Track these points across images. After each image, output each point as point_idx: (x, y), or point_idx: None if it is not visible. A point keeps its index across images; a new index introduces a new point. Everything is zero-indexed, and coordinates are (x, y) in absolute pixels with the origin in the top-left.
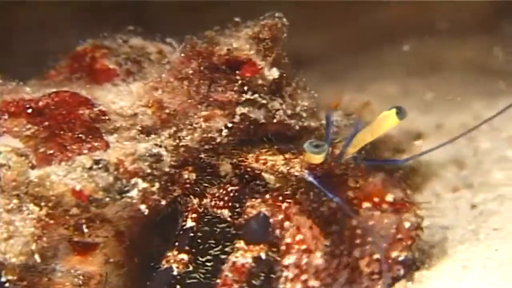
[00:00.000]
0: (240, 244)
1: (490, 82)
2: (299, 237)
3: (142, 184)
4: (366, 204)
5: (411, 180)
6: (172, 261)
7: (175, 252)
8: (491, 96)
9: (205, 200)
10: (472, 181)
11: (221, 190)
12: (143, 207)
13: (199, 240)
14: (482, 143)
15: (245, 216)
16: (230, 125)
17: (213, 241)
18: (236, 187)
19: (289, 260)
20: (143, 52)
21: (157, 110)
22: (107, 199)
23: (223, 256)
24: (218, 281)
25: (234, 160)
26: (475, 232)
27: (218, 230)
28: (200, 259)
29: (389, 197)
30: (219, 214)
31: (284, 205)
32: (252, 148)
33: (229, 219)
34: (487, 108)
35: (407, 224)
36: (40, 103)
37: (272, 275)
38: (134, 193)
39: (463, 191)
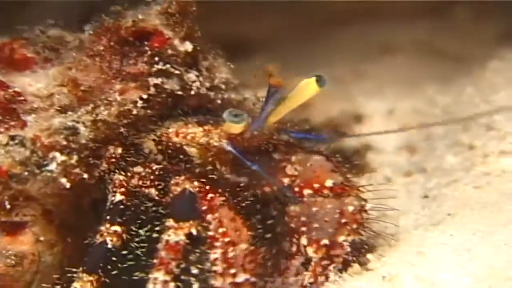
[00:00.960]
0: (170, 222)
1: (443, 65)
2: (222, 230)
3: (61, 157)
4: (307, 191)
5: (356, 165)
6: (105, 234)
7: (108, 225)
8: (444, 80)
9: (132, 181)
10: (425, 166)
11: (146, 169)
12: (64, 180)
13: (129, 212)
14: (435, 128)
15: (171, 194)
16: (145, 96)
17: (143, 213)
18: (161, 166)
19: (215, 254)
20: (62, 40)
21: (72, 89)
22: (26, 173)
23: (156, 228)
24: (155, 261)
25: (156, 137)
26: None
27: (147, 204)
28: (133, 229)
29: (329, 182)
30: (147, 194)
31: (209, 195)
32: (171, 123)
33: (156, 198)
34: (440, 92)
35: (350, 208)
36: None
37: (208, 250)
38: (53, 166)
39: (415, 175)
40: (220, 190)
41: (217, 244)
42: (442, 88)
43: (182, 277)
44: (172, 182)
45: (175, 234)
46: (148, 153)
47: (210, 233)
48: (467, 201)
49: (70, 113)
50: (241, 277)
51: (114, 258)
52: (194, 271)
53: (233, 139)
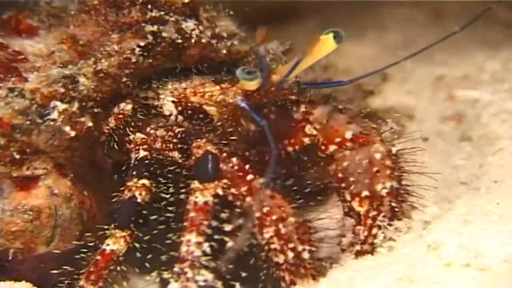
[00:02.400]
0: (195, 184)
1: (492, 31)
2: (266, 209)
3: (62, 106)
4: (332, 147)
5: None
6: (134, 189)
7: (135, 180)
8: (493, 47)
9: (156, 144)
10: (471, 134)
11: (169, 133)
12: (67, 129)
13: (156, 166)
14: (482, 96)
15: (193, 157)
16: (142, 44)
17: (167, 175)
18: (183, 128)
19: (268, 233)
20: (66, 9)
21: (72, 45)
22: (28, 123)
23: (181, 190)
24: (185, 223)
25: (175, 98)
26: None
27: (171, 167)
28: (161, 180)
29: (348, 134)
30: (170, 157)
31: (248, 177)
32: (186, 81)
33: (180, 161)
34: (489, 59)
35: (378, 155)
36: None
37: (237, 209)
38: (55, 115)
39: (462, 143)
40: (252, 168)
41: (267, 223)
42: (491, 55)
43: (215, 236)
44: (194, 144)
45: (202, 195)
46: (169, 115)
47: (257, 215)
48: None
49: (70, 66)
50: (300, 249)
51: (144, 212)
52: (227, 228)
53: (248, 96)
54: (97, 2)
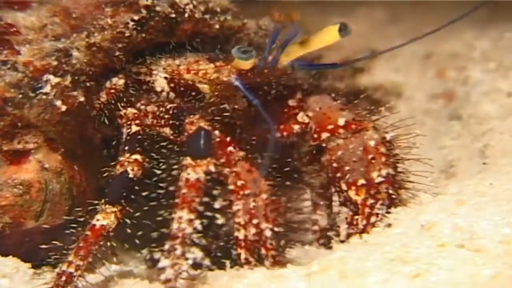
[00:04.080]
0: (188, 160)
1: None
2: (240, 182)
3: (54, 79)
4: (325, 134)
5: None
6: (126, 164)
7: (127, 155)
8: (481, 25)
9: (146, 120)
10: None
11: (161, 108)
12: (59, 103)
13: (148, 141)
14: (473, 74)
15: (186, 133)
16: (136, 18)
17: (158, 150)
18: (175, 104)
19: (237, 206)
20: None
21: (65, 18)
22: (20, 96)
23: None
24: (177, 200)
25: (167, 74)
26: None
27: (162, 144)
28: (153, 156)
29: (341, 121)
30: (161, 133)
31: (228, 149)
32: (180, 57)
33: (171, 137)
34: (478, 37)
35: (371, 142)
36: None
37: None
38: (47, 88)
39: (451, 122)
40: (235, 142)
41: (238, 196)
42: (480, 33)
43: (207, 213)
44: (187, 121)
45: (194, 171)
46: (160, 91)
47: (230, 187)
48: (505, 150)
49: (63, 39)
50: (263, 226)
51: (136, 188)
52: (217, 205)
53: (243, 75)
54: None
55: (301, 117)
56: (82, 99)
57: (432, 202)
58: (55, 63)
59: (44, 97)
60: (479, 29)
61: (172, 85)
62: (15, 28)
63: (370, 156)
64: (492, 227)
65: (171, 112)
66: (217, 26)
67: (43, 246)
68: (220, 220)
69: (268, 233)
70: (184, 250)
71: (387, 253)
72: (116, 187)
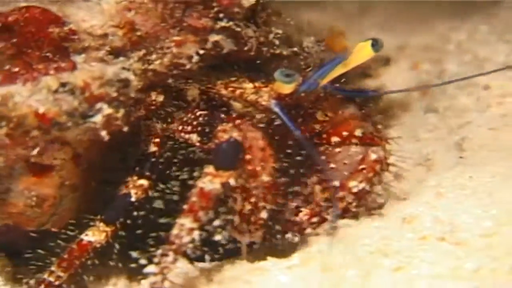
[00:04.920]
0: (209, 169)
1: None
2: (249, 157)
3: (107, 110)
4: (335, 138)
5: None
6: (131, 186)
7: (135, 178)
8: (455, 17)
9: (171, 125)
10: (436, 106)
11: (189, 115)
12: (104, 133)
13: (160, 166)
14: (448, 67)
15: (216, 141)
16: (202, 52)
17: (175, 168)
18: (205, 112)
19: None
20: None
21: (128, 32)
22: (70, 123)
23: (185, 183)
24: (185, 206)
25: (203, 86)
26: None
27: (182, 156)
28: (160, 186)
29: (358, 132)
30: (187, 139)
31: (237, 121)
32: (220, 75)
33: (197, 144)
34: (452, 30)
35: (373, 156)
36: (10, 18)
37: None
38: (98, 118)
39: (427, 115)
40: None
41: (242, 174)
42: (454, 26)
43: (207, 227)
44: (219, 128)
45: (211, 182)
46: (191, 101)
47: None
48: (483, 143)
49: (121, 58)
50: (260, 205)
51: (135, 213)
52: (217, 222)
53: (281, 99)
54: None
55: (320, 115)
56: (126, 129)
57: (412, 194)
58: (114, 94)
59: (92, 125)
60: (453, 21)
61: (204, 96)
62: (76, 36)
63: (361, 166)
64: (473, 220)
65: (201, 119)
66: (268, 55)
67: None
68: (218, 236)
69: (264, 214)
70: (176, 258)
71: (366, 245)
72: (115, 207)
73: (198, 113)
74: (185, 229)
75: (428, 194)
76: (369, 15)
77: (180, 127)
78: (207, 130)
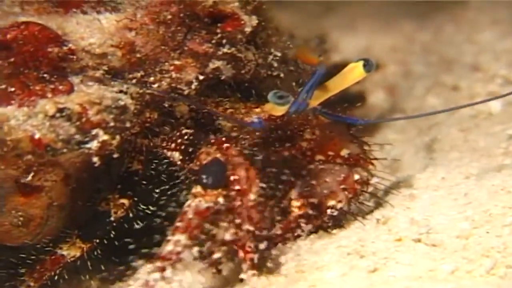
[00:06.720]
0: (197, 189)
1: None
2: (234, 178)
3: (103, 137)
4: (319, 157)
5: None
6: (111, 205)
7: (116, 196)
8: (420, 17)
9: (155, 139)
10: (404, 107)
11: (174, 132)
12: (95, 159)
13: (142, 186)
14: (415, 67)
15: (198, 163)
16: (201, 78)
17: (157, 189)
18: (191, 131)
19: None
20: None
21: (127, 53)
22: (65, 149)
23: (167, 203)
24: (179, 224)
25: (192, 104)
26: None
27: (165, 174)
28: (141, 206)
29: (344, 152)
30: (169, 156)
31: (224, 145)
32: (212, 93)
33: (179, 162)
34: (418, 30)
35: (356, 176)
36: (8, 36)
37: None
38: (93, 144)
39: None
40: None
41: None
42: (420, 26)
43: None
44: (203, 150)
45: (204, 200)
46: (179, 117)
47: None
48: (454, 144)
49: (119, 80)
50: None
51: (113, 232)
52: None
53: (272, 120)
54: (170, 16)
55: (308, 133)
56: (116, 155)
57: (385, 196)
58: (112, 123)
59: (86, 151)
60: (418, 21)
61: (193, 114)
62: (75, 56)
63: (343, 186)
64: (449, 222)
65: (186, 137)
66: (265, 75)
67: None
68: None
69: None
70: (172, 273)
71: (343, 247)
72: (94, 226)
73: (184, 131)
74: (180, 245)
75: (401, 196)
76: (331, 16)
77: (164, 143)
78: (190, 150)
